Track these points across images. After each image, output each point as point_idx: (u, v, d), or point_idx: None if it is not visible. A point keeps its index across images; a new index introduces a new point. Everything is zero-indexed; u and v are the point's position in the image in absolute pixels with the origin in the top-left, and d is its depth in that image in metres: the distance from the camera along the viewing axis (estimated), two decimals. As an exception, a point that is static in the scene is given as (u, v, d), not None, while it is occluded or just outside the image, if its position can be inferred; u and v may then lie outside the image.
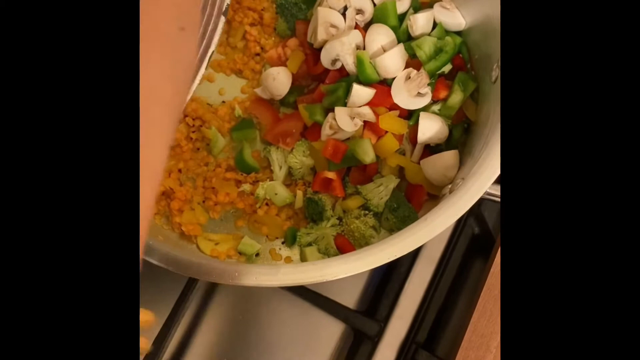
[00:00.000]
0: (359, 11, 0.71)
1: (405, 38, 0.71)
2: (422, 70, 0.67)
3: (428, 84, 0.67)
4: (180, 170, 0.72)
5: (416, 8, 0.72)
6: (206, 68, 0.51)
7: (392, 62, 0.67)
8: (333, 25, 0.71)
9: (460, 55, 0.70)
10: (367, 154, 0.66)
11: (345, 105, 0.68)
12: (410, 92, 0.66)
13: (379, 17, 0.70)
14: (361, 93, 0.65)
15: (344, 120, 0.65)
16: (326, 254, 0.68)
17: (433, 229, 0.53)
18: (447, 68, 0.69)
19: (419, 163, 0.68)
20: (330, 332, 0.71)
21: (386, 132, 0.67)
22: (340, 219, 0.69)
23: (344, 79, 0.69)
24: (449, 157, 0.65)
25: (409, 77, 0.66)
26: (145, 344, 0.39)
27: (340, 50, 0.68)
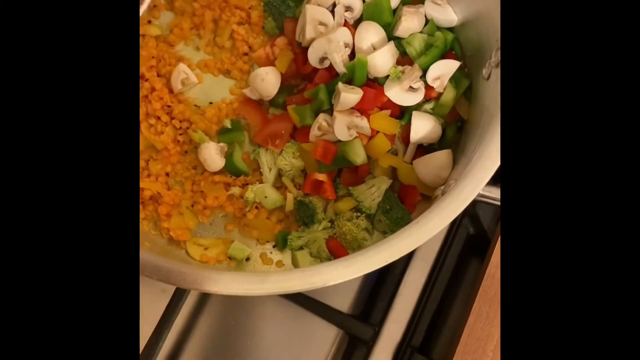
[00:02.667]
0: (348, 8, 0.69)
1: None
2: (415, 64, 0.65)
3: (420, 77, 0.65)
4: (167, 174, 0.71)
5: (406, 2, 0.71)
6: None
7: (383, 60, 0.65)
8: (322, 23, 0.69)
9: (453, 52, 0.68)
10: (358, 155, 0.65)
11: (331, 107, 0.66)
12: (402, 86, 0.64)
13: (371, 13, 0.68)
14: (349, 96, 0.63)
15: (341, 129, 0.64)
16: (318, 257, 0.67)
17: (426, 232, 0.51)
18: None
19: (411, 163, 0.66)
20: (324, 336, 0.70)
21: (378, 132, 0.65)
22: (332, 221, 0.68)
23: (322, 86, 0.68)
24: (442, 156, 0.64)
25: (402, 72, 0.65)
26: None
27: (328, 48, 0.66)
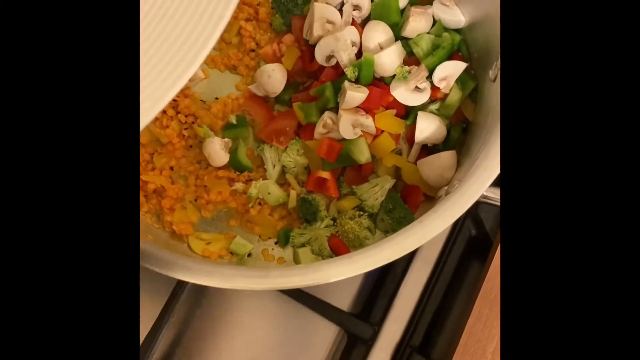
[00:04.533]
0: (356, 7, 0.70)
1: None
2: (421, 64, 0.65)
3: (427, 78, 0.65)
4: (172, 168, 0.71)
5: (414, 3, 0.71)
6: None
7: (390, 60, 0.65)
8: (329, 21, 0.69)
9: (460, 53, 0.68)
10: (363, 154, 0.65)
11: (337, 105, 0.66)
12: (409, 86, 0.64)
13: (379, 13, 0.68)
14: (355, 94, 0.64)
15: (346, 128, 0.64)
16: (320, 255, 0.67)
17: (428, 232, 0.51)
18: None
19: (415, 163, 0.66)
20: (323, 335, 0.70)
21: (382, 131, 0.66)
22: (334, 219, 0.68)
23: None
24: (446, 157, 0.64)
25: (409, 72, 0.65)
26: None
27: (335, 47, 0.66)
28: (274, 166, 0.70)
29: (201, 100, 0.74)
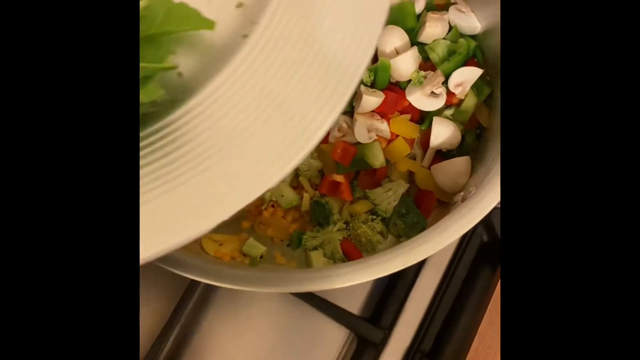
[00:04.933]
0: (373, 11, 0.70)
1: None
2: (437, 70, 0.65)
3: (442, 83, 0.65)
4: (185, 169, 0.71)
5: (431, 9, 0.71)
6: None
7: (405, 65, 0.65)
8: (345, 25, 0.69)
9: (475, 59, 0.68)
10: (377, 158, 0.65)
11: (352, 109, 0.66)
12: (424, 92, 0.64)
13: (395, 18, 0.69)
14: (371, 99, 0.64)
15: (361, 132, 0.64)
16: (332, 258, 0.67)
17: (444, 238, 0.51)
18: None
19: (429, 168, 0.66)
20: (333, 338, 0.70)
21: (397, 135, 0.66)
22: (347, 223, 0.68)
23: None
24: (460, 163, 0.64)
25: (425, 77, 0.65)
26: None
27: (353, 51, 0.66)
28: (288, 169, 0.70)
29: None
